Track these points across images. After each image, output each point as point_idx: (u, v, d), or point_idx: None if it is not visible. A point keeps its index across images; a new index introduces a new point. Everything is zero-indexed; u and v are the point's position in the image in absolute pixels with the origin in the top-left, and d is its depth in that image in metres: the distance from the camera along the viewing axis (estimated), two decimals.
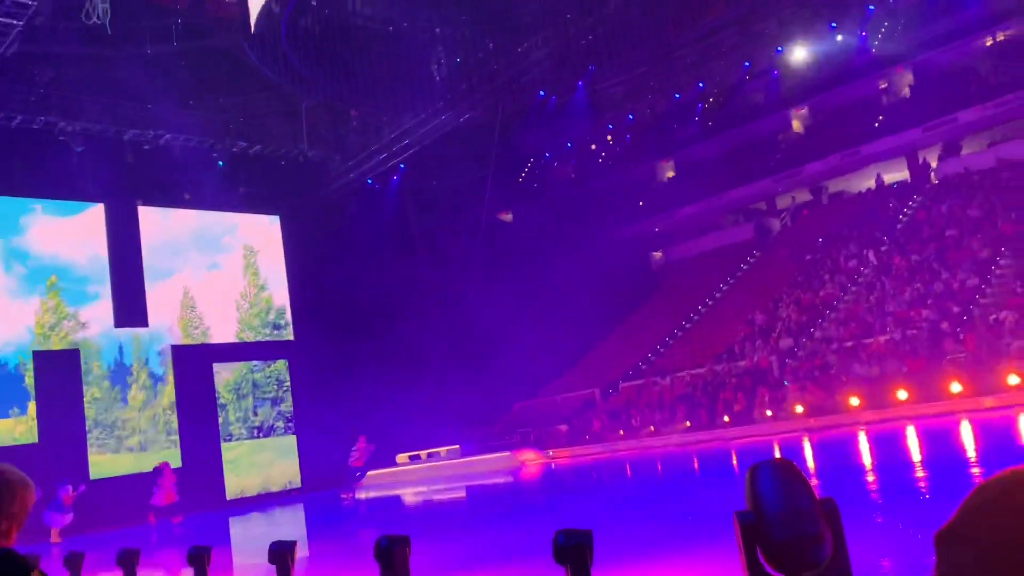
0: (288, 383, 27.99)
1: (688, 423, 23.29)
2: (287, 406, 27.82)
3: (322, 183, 30.13)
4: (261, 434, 26.95)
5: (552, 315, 30.50)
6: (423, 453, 26.62)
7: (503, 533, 11.49)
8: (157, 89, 23.84)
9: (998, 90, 27.01)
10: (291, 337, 28.66)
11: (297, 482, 26.85)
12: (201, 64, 25.52)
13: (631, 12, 26.97)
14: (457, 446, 26.13)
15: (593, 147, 36.93)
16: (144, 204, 26.15)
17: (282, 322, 28.58)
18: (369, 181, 30.93)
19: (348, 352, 28.28)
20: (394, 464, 26.56)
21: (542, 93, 30.59)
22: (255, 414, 27.00)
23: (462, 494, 18.80)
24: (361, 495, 22.13)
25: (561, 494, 15.67)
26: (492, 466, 23.97)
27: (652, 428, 24.13)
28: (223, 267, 27.81)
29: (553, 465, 23.42)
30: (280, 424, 27.51)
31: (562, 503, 13.29)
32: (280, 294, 28.79)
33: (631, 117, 34.81)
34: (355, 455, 21.90)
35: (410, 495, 19.92)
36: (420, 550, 3.81)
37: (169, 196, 26.52)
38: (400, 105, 28.31)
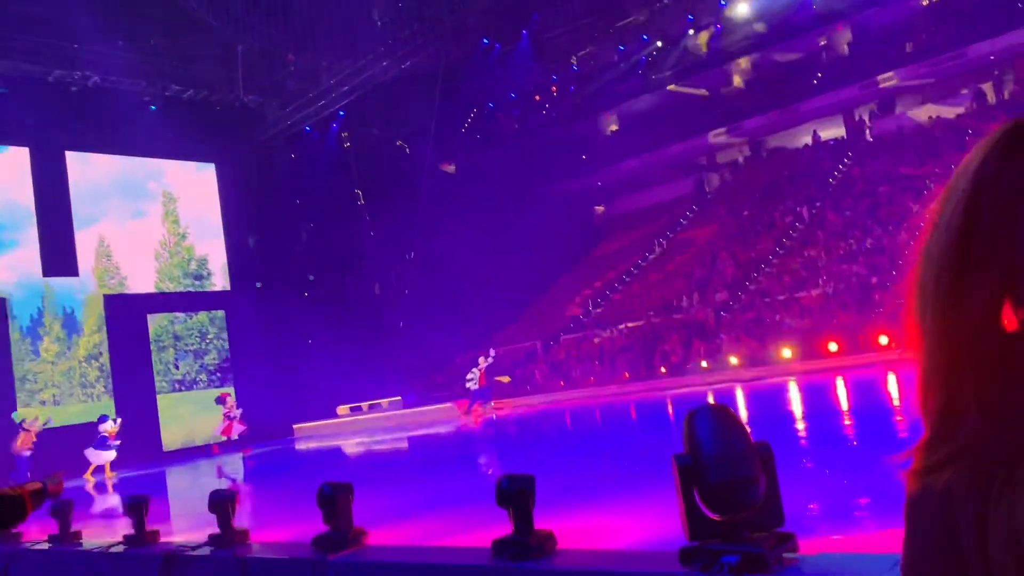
0: (212, 335, 27.37)
1: (627, 374, 23.71)
2: (211, 359, 27.21)
3: (259, 130, 29.36)
4: (183, 387, 26.37)
5: (495, 268, 30.54)
6: (364, 405, 26.61)
7: (446, 481, 11.61)
8: (86, 29, 22.79)
9: (934, 50, 27.57)
10: (224, 287, 28.05)
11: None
12: (133, 3, 24.45)
13: None
14: (399, 397, 26.18)
15: (537, 98, 36.68)
16: (71, 149, 25.16)
17: (204, 272, 27.77)
18: (307, 128, 30.26)
19: (287, 303, 27.94)
20: (335, 416, 26.51)
21: (486, 41, 30.18)
22: (176, 367, 26.40)
23: (404, 444, 18.90)
24: (488, 411, 22.10)
25: (503, 443, 15.87)
26: (434, 417, 24.10)
27: (592, 379, 24.50)
28: (148, 215, 26.97)
29: (495, 416, 23.66)
30: (203, 377, 26.87)
31: (504, 451, 13.46)
32: (206, 244, 27.97)
33: (575, 68, 34.62)
34: (471, 380, 21.87)
35: (351, 446, 19.94)
36: (362, 498, 3.83)
37: (98, 141, 25.55)
38: (340, 50, 27.64)
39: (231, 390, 22.32)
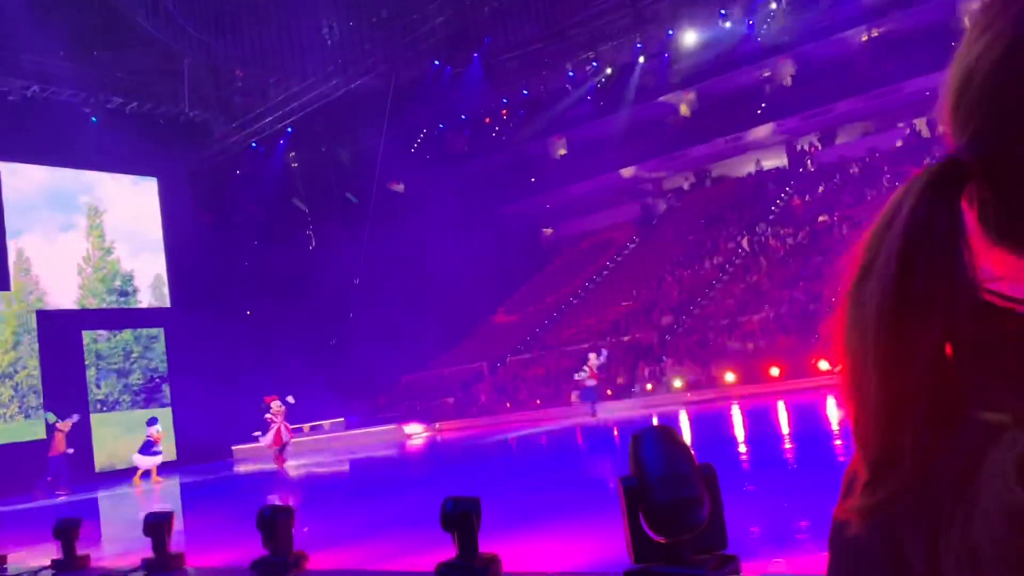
0: (136, 354, 26.55)
1: (573, 396, 23.76)
2: (135, 379, 26.40)
3: (204, 145, 28.91)
4: (105, 408, 25.47)
5: (442, 288, 30.44)
6: (306, 426, 26.18)
7: (389, 503, 11.46)
8: (27, 38, 22.23)
9: (873, 83, 28.48)
10: (152, 303, 27.33)
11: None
12: (77, 14, 23.94)
13: None
14: (342, 419, 25.83)
15: (487, 121, 36.88)
16: (5, 159, 24.42)
17: (130, 288, 26.99)
18: (254, 145, 29.92)
19: (229, 323, 27.41)
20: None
21: (437, 63, 30.28)
22: (98, 387, 25.55)
23: (346, 467, 18.62)
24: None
25: (448, 465, 15.74)
26: (378, 439, 23.83)
27: (538, 401, 24.51)
28: (78, 228, 26.21)
29: (439, 438, 23.49)
30: (126, 398, 25.98)
31: (449, 474, 13.36)
32: (138, 259, 27.21)
33: (525, 92, 34.91)
34: (583, 376, 20.94)
35: (292, 468, 19.57)
36: (303, 522, 3.74)
37: (34, 151, 24.85)
38: (288, 67, 27.43)
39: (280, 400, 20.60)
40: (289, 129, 29.82)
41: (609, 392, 22.15)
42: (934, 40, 27.51)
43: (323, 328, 31.25)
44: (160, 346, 27.06)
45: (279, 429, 19.09)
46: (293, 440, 20.19)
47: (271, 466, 20.02)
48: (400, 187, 36.25)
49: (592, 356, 21.14)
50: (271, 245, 29.54)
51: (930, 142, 27.51)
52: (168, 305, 27.50)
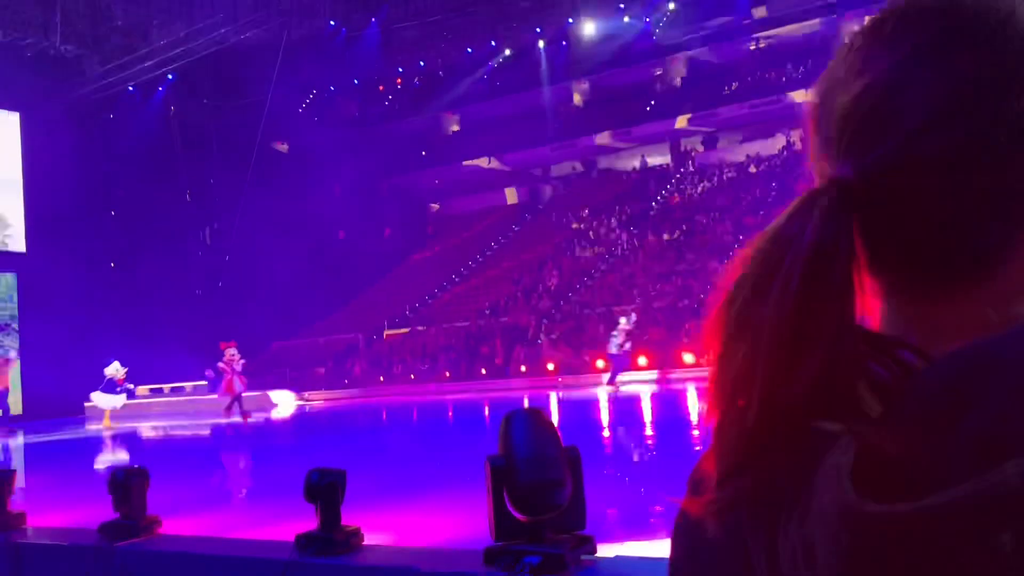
0: None
1: (448, 373, 23.86)
2: None
3: (75, 83, 27.13)
4: None
5: (321, 255, 29.84)
6: (166, 387, 25.18)
7: (252, 471, 11.21)
8: None
9: (756, 92, 29.71)
10: (20, 248, 25.66)
11: None
12: None
13: None
14: (205, 381, 24.97)
15: (381, 88, 36.25)
16: None
17: None
18: (131, 88, 28.31)
19: (91, 273, 25.96)
20: (134, 396, 24.89)
21: (333, 23, 29.49)
22: None
23: (207, 431, 18.05)
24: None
25: (315, 436, 15.51)
26: (245, 404, 23.16)
27: (413, 376, 24.47)
28: None
29: (308, 408, 23.11)
30: None
31: (315, 445, 13.17)
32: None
33: (422, 64, 34.52)
34: (616, 341, 18.55)
35: (149, 430, 18.81)
36: (159, 485, 3.62)
37: None
38: (175, 9, 26.10)
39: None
40: (170, 76, 28.39)
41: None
42: (816, 55, 28.97)
43: (192, 286, 30.05)
44: (4, 291, 25.31)
45: (231, 379, 17.62)
46: (156, 400, 19.45)
47: (129, 425, 19.18)
48: (284, 147, 35.19)
49: (623, 320, 19.14)
50: (142, 195, 28.08)
51: (804, 154, 28.95)
52: (22, 250, 25.76)
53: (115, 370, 18.50)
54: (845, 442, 0.45)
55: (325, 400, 24.26)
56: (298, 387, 25.21)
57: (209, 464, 12.15)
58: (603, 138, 32.77)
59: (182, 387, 25.08)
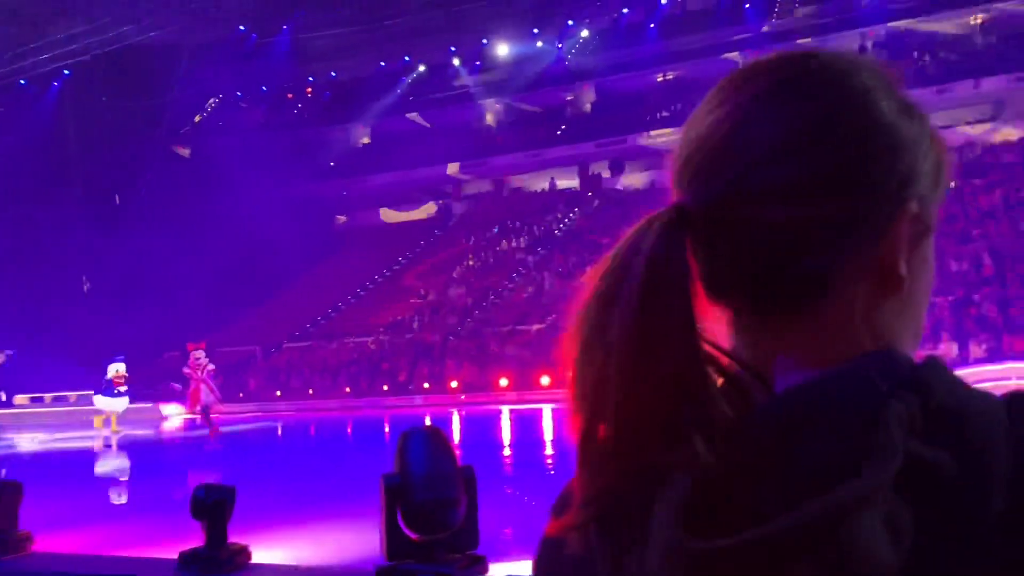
0: None
1: (348, 389, 23.48)
2: None
3: None
4: None
5: (220, 264, 28.95)
6: (48, 396, 23.88)
7: (137, 487, 10.74)
8: None
9: (664, 122, 30.56)
10: None
11: None
12: None
13: None
14: (91, 392, 23.80)
15: (290, 96, 35.63)
16: None
17: None
18: (23, 82, 26.96)
19: None
20: (10, 405, 23.52)
21: (242, 28, 28.87)
22: None
23: (91, 444, 17.20)
24: None
25: (206, 452, 14.98)
26: (131, 416, 22.20)
27: (311, 392, 23.97)
28: None
29: (199, 421, 22.29)
30: None
31: (205, 460, 12.73)
32: None
33: (334, 75, 34.15)
34: None
35: (28, 441, 17.78)
36: (34, 501, 3.42)
37: None
38: (75, 4, 25.03)
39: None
40: (67, 71, 27.18)
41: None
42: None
43: (81, 291, 28.69)
44: None
45: (197, 387, 15.36)
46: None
47: (3, 436, 18.07)
48: (186, 152, 34.12)
49: None
50: (30, 195, 26.69)
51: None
52: None
53: (115, 371, 17.09)
54: (681, 476, 0.47)
55: (219, 413, 23.45)
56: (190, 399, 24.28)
57: (91, 479, 11.58)
58: (513, 159, 33.07)
59: (66, 396, 23.84)
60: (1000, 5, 27.40)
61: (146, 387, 25.22)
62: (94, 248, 29.34)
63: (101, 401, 17.32)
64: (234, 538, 2.78)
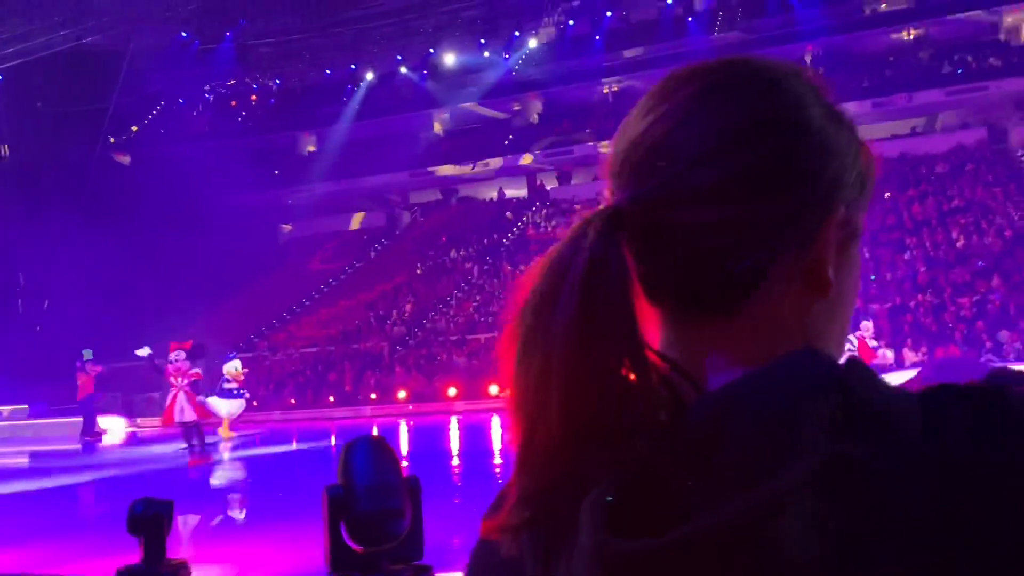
0: None
1: (293, 400, 23.16)
2: None
3: None
4: None
5: (162, 274, 28.33)
6: None
7: (72, 502, 10.44)
8: None
9: (608, 134, 30.82)
10: None
11: None
12: None
13: None
14: (25, 406, 23.05)
15: (234, 104, 35.11)
16: None
17: None
18: None
19: None
20: None
21: (185, 34, 28.38)
22: None
23: (24, 460, 16.65)
24: None
25: (146, 465, 14.61)
26: (67, 431, 21.57)
27: (256, 403, 23.57)
28: None
29: (140, 434, 21.79)
30: None
31: (144, 474, 12.41)
32: None
33: (279, 82, 33.76)
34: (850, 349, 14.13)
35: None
36: None
37: None
38: (10, 5, 24.33)
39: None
40: (0, 76, 26.39)
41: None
42: None
43: (14, 302, 27.80)
44: None
45: (175, 397, 13.25)
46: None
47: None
48: (126, 159, 33.35)
49: (867, 324, 15.96)
50: None
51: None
52: None
53: (234, 369, 15.88)
54: (608, 479, 0.48)
55: (160, 426, 22.92)
56: (131, 412, 23.73)
57: (25, 495, 11.20)
58: (462, 168, 33.07)
59: None
60: (932, 22, 28.39)
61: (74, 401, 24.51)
62: (28, 255, 28.45)
63: (217, 403, 15.69)
64: (176, 553, 2.73)
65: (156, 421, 23.13)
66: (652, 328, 0.58)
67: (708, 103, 0.57)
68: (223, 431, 15.91)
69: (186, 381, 13.27)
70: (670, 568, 0.46)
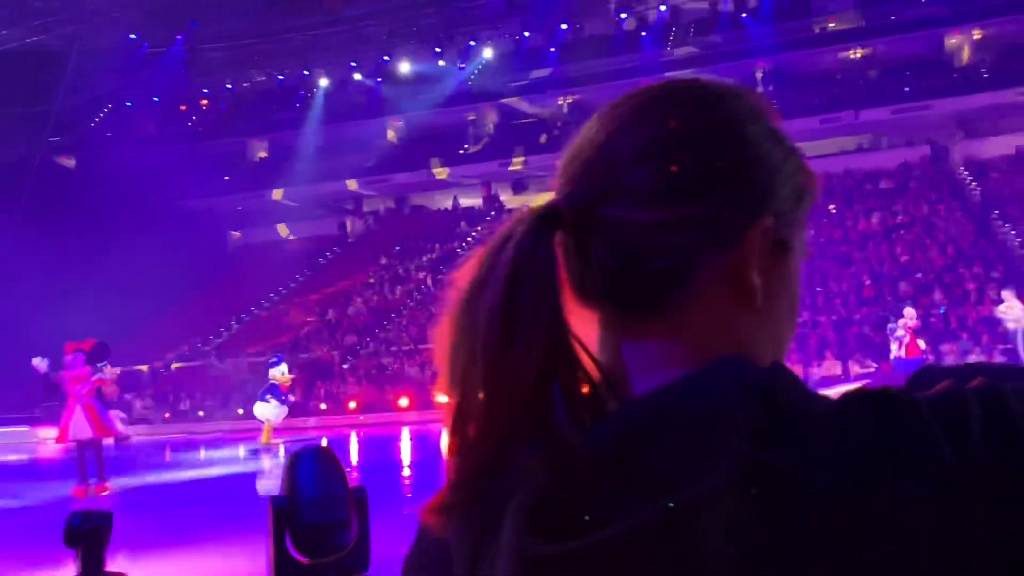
0: None
1: (241, 411, 22.76)
2: None
3: None
4: None
5: (106, 280, 27.64)
6: None
7: (8, 516, 10.09)
8: None
9: (561, 145, 30.97)
10: None
11: None
12: None
13: None
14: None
15: (183, 108, 34.53)
16: None
17: None
18: None
19: None
20: None
21: (133, 36, 27.85)
22: None
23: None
24: None
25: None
26: (4, 440, 20.91)
27: (202, 413, 23.12)
28: None
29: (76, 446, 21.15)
30: None
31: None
32: None
33: (229, 87, 33.30)
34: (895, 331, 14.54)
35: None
36: None
37: None
38: None
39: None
40: None
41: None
42: None
43: None
44: None
45: (70, 411, 10.69)
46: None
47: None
48: (71, 162, 32.56)
49: (909, 311, 15.74)
50: None
51: None
52: None
53: (280, 374, 15.24)
54: (533, 481, 0.49)
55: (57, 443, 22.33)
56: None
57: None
58: (415, 176, 32.94)
59: None
60: (879, 42, 29.19)
61: (20, 410, 23.81)
62: None
63: (263, 409, 15.19)
64: (116, 567, 2.64)
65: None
66: (590, 332, 0.59)
67: (647, 113, 0.60)
68: (264, 437, 15.33)
69: (86, 389, 10.75)
70: (589, 571, 0.47)
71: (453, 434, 0.55)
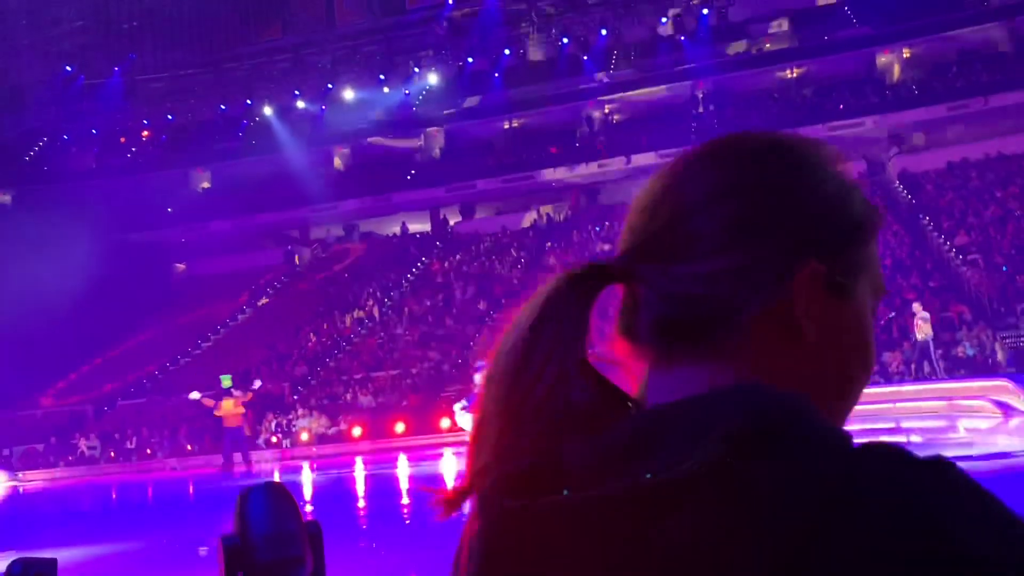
0: None
1: (190, 447, 22.23)
2: None
3: None
4: None
5: (45, 318, 26.81)
6: None
7: None
8: None
9: (508, 168, 31.26)
10: None
11: None
12: None
13: (183, 10, 25.67)
14: None
15: (123, 140, 33.87)
16: None
17: None
18: None
19: None
20: None
21: (69, 68, 27.31)
22: None
23: None
24: None
25: (29, 521, 13.70)
26: None
27: (149, 451, 22.52)
28: None
29: (22, 489, 20.47)
30: None
31: (26, 531, 11.62)
32: None
33: (170, 117, 32.80)
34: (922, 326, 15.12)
35: None
36: None
37: None
38: None
39: None
40: None
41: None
42: (561, 138, 31.18)
43: None
44: None
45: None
46: None
47: None
48: (7, 198, 31.68)
49: (918, 306, 17.09)
50: None
51: (553, 227, 30.78)
52: None
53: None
54: (487, 514, 0.54)
55: (46, 480, 21.63)
56: (11, 466, 22.30)
57: None
58: (363, 203, 32.75)
59: None
60: (812, 61, 30.05)
61: None
62: None
63: (465, 419, 15.61)
64: None
65: (41, 474, 21.85)
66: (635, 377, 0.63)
67: (701, 166, 0.62)
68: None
69: None
70: (548, 527, 0.50)
71: (471, 443, 0.58)
